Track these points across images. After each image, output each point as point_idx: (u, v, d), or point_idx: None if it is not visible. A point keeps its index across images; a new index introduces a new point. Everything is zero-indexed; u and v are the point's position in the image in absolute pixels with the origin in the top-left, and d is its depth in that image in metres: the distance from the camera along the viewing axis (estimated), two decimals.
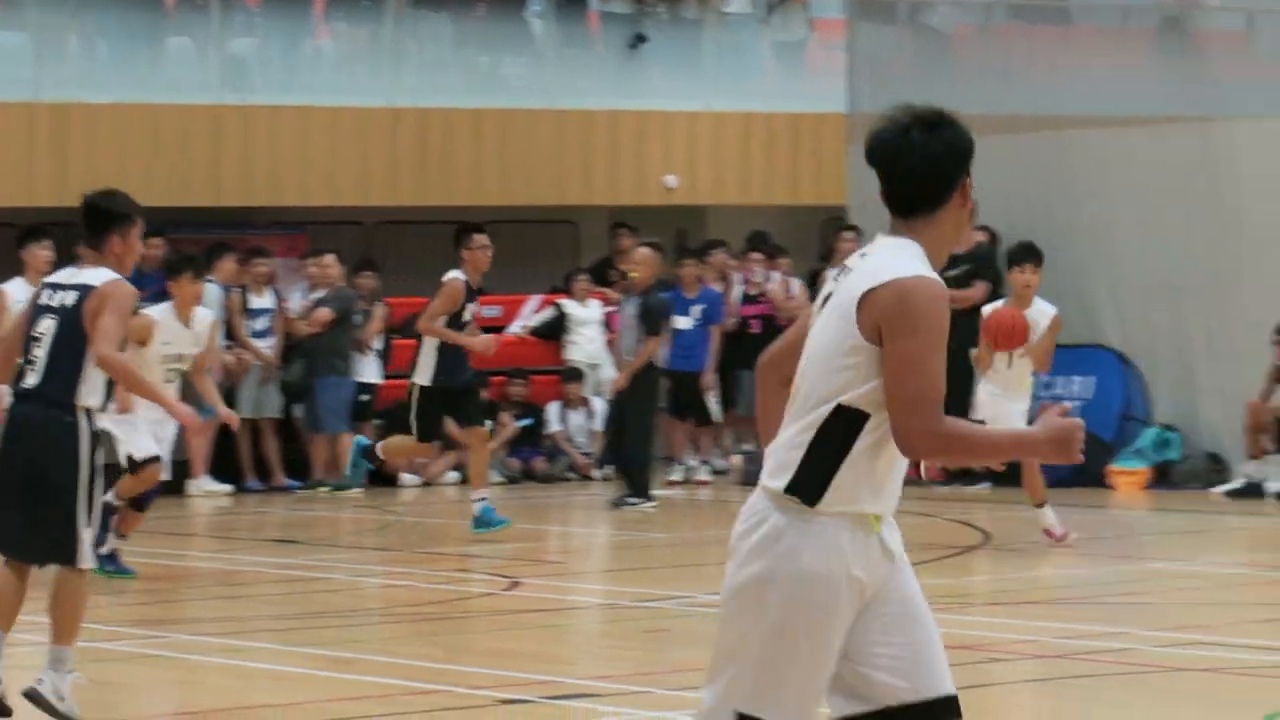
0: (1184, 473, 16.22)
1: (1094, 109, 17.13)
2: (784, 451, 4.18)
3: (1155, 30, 19.44)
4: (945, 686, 4.16)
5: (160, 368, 10.95)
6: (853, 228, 16.59)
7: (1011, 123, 16.90)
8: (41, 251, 12.81)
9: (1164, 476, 16.20)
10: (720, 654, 4.17)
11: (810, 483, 4.12)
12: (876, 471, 4.16)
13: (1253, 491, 15.24)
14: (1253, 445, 15.44)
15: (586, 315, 17.91)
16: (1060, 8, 19.82)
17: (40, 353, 7.34)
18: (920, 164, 4.22)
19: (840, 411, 4.12)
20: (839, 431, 4.11)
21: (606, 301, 17.85)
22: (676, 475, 16.95)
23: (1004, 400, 12.13)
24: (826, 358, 4.17)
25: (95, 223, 7.53)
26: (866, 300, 4.13)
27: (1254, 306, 15.74)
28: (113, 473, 10.00)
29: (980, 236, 15.85)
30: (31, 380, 7.38)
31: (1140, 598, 11.41)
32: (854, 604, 4.12)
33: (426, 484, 17.12)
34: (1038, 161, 17.05)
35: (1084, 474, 14.88)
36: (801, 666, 4.10)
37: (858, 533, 4.13)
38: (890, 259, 4.18)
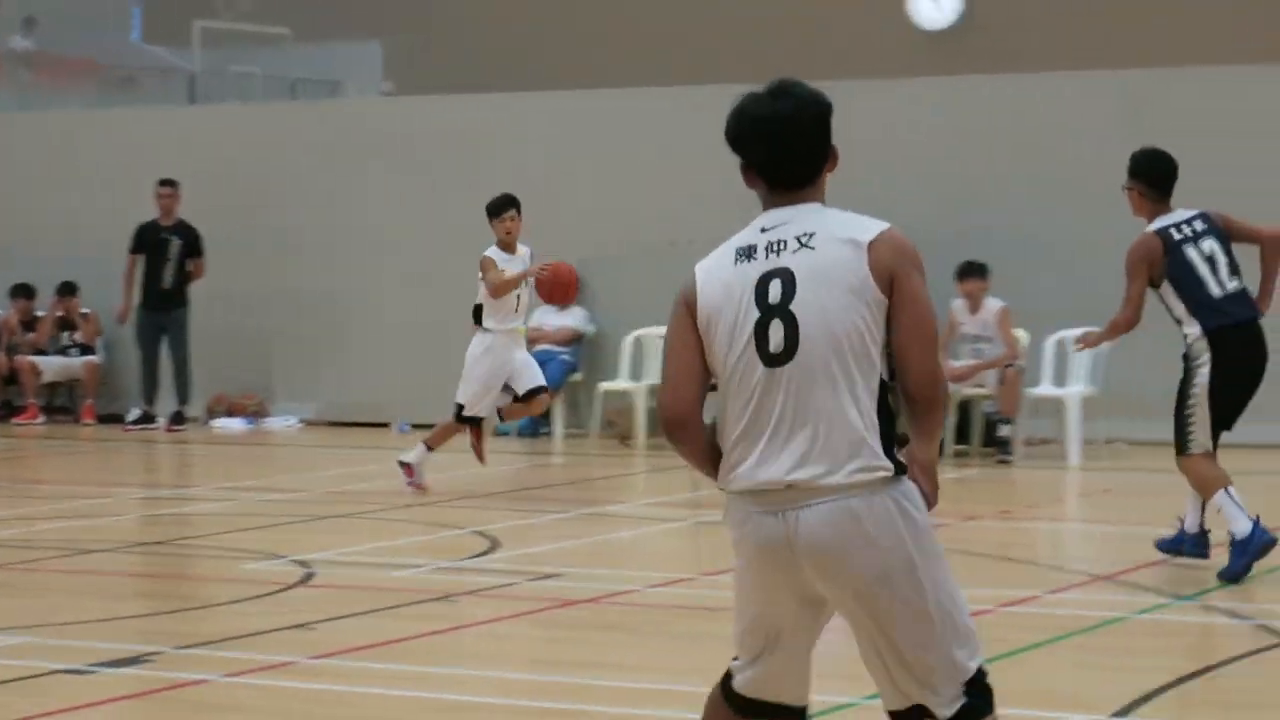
0: None
1: None
2: (842, 439, 4.22)
3: None
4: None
5: None
6: None
7: None
8: None
9: None
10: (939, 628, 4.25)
11: (891, 455, 4.25)
12: None
13: None
14: None
15: None
16: None
17: None
18: (803, 133, 4.30)
19: (883, 383, 4.25)
20: (884, 400, 4.24)
21: None
22: None
23: None
24: (844, 333, 4.22)
25: None
26: (873, 253, 4.22)
27: None
28: None
29: None
30: None
31: None
32: None
33: None
34: None
35: None
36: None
37: None
38: (844, 217, 4.32)
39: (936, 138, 16.20)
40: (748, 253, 4.33)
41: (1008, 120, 16.20)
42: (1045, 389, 15.11)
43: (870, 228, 4.26)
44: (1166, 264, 8.83)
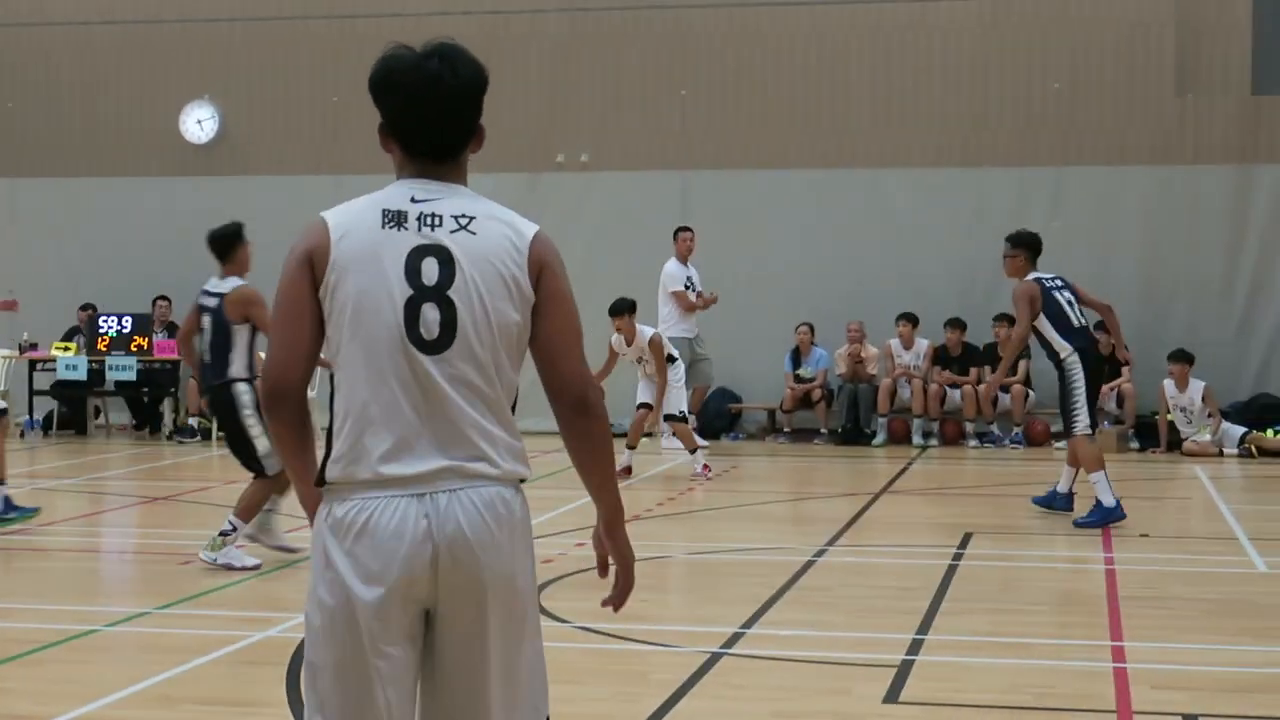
0: None
1: None
2: (506, 435, 3.89)
3: None
4: None
5: None
6: None
7: None
8: None
9: None
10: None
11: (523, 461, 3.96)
12: None
13: None
14: None
15: None
16: None
17: None
18: (462, 103, 3.98)
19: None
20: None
21: None
22: None
23: None
24: (501, 326, 3.89)
25: None
26: (533, 248, 3.93)
27: None
28: None
29: None
30: None
31: None
32: None
33: None
34: None
35: None
36: None
37: None
38: (498, 207, 3.98)
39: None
40: (396, 219, 3.92)
41: None
42: None
43: (528, 223, 3.97)
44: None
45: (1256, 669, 7.86)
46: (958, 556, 11.14)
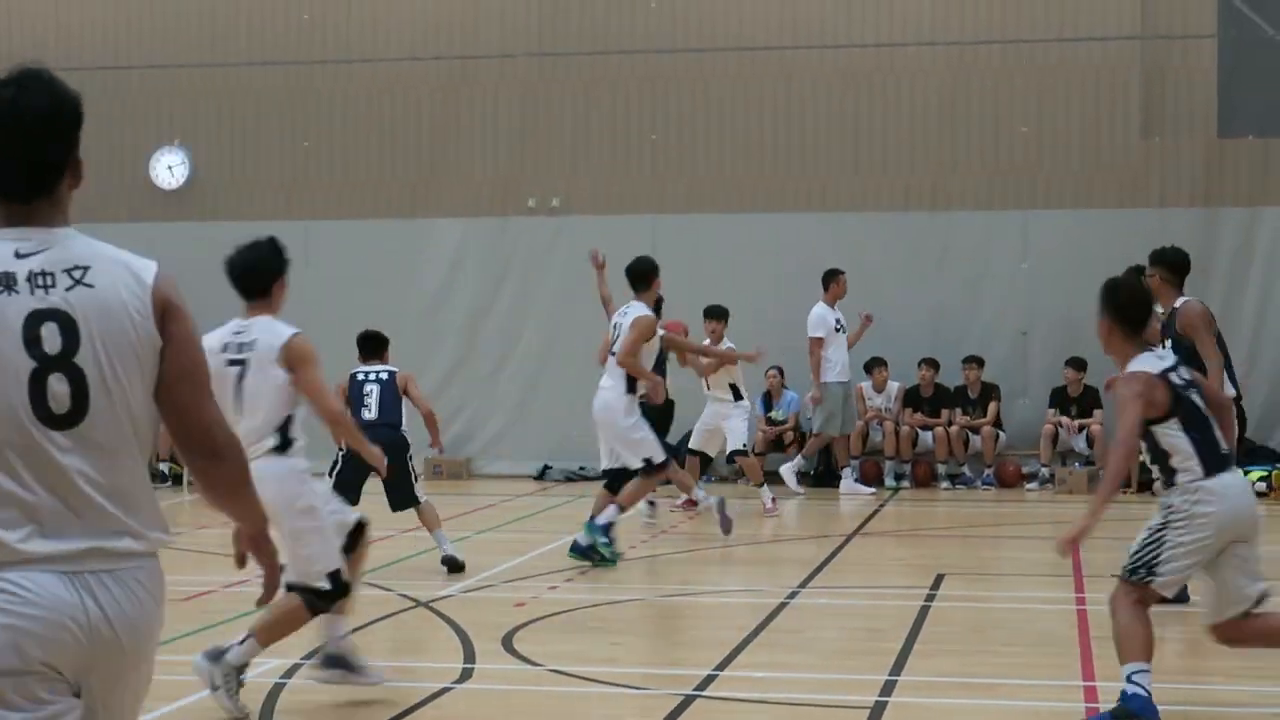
0: None
1: None
2: (148, 503, 3.76)
3: None
4: None
5: None
6: None
7: None
8: None
9: None
10: None
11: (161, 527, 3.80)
12: None
13: None
14: None
15: None
16: None
17: None
18: (54, 135, 3.75)
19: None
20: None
21: None
22: None
23: None
24: (134, 390, 3.71)
25: None
26: (156, 292, 3.68)
27: None
28: None
29: None
30: None
31: None
32: None
33: None
34: None
35: None
36: None
37: None
38: (110, 248, 3.74)
39: None
40: (5, 282, 3.58)
41: None
42: None
43: (146, 263, 3.72)
44: None
45: (1228, 708, 7.89)
46: (930, 598, 11.16)
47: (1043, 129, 20.67)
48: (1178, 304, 11.02)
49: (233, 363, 7.87)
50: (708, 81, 21.35)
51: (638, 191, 21.40)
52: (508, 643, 9.45)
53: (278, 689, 8.23)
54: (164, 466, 20.64)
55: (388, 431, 12.54)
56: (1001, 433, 19.99)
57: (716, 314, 17.24)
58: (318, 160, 22.12)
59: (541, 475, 20.64)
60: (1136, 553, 7.59)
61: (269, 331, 7.93)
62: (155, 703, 7.90)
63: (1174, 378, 7.68)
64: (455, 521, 16.39)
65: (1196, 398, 7.65)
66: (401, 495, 12.69)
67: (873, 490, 18.99)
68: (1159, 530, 7.60)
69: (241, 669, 7.84)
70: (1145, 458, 7.86)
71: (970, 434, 19.94)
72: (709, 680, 8.43)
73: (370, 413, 12.91)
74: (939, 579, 11.98)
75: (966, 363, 20.00)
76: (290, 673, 8.60)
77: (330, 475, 12.46)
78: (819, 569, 12.67)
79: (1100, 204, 20.38)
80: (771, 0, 21.25)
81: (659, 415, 15.25)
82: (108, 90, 22.68)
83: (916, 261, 20.47)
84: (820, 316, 18.97)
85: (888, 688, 8.25)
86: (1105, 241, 20.12)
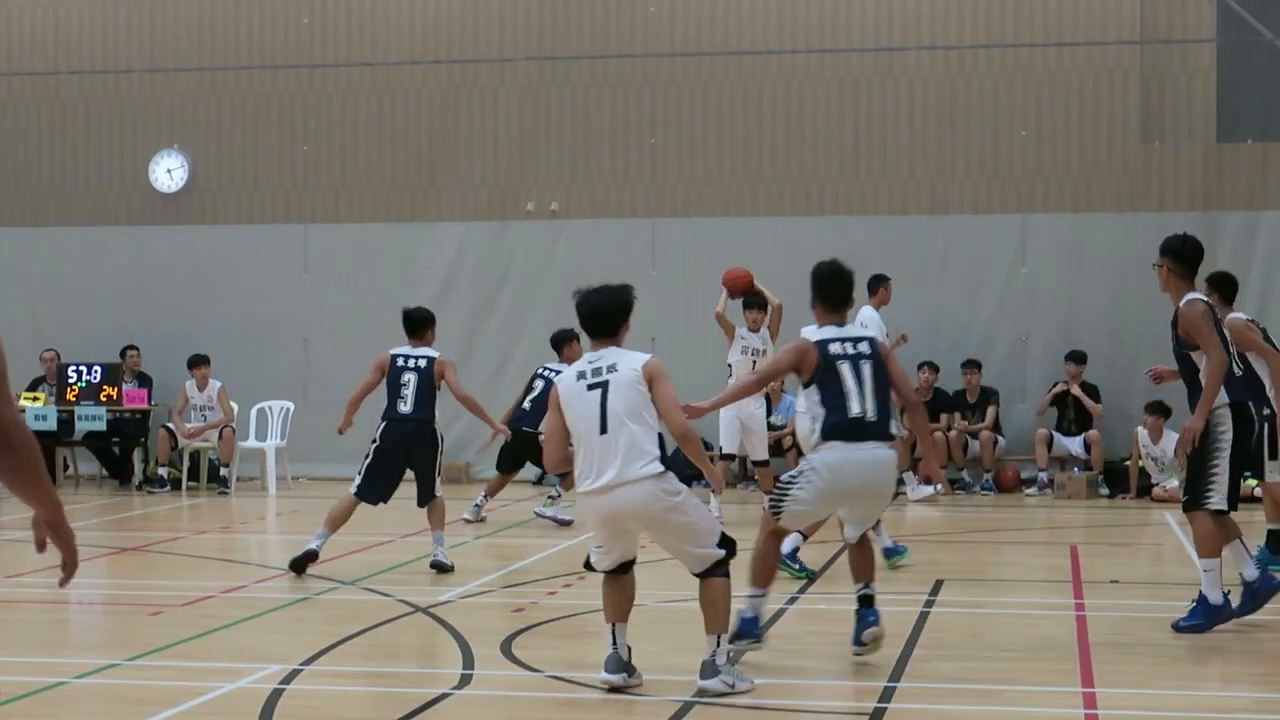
0: None
1: None
2: None
3: None
4: None
5: None
6: None
7: None
8: None
9: None
10: None
11: None
12: None
13: None
14: None
15: None
16: None
17: None
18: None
19: None
20: None
21: None
22: None
23: None
24: None
25: None
26: None
27: None
28: None
29: None
30: None
31: None
32: None
33: None
34: None
35: None
36: None
37: None
38: None
39: None
40: None
41: None
42: (251, 443, 20.90)
43: None
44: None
45: (1227, 714, 7.88)
46: (929, 604, 11.16)
47: (1041, 133, 20.68)
48: (1181, 303, 10.04)
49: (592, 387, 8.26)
50: (706, 86, 21.36)
51: (636, 196, 21.41)
52: (507, 648, 9.45)
53: (276, 695, 8.22)
54: (163, 471, 20.63)
55: (419, 426, 12.65)
56: (1000, 437, 19.99)
57: (758, 304, 16.59)
58: (317, 164, 22.12)
59: (540, 480, 20.62)
60: None
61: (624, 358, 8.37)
62: (155, 708, 7.89)
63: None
64: (453, 526, 16.38)
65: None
66: (425, 489, 12.84)
67: (937, 489, 18.48)
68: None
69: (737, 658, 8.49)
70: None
71: (969, 439, 19.93)
72: None
73: (405, 405, 12.77)
74: (938, 584, 11.98)
75: (965, 367, 20.00)
76: (288, 679, 8.60)
77: (361, 470, 12.49)
78: (818, 574, 12.66)
79: (1099, 208, 20.39)
80: (770, 4, 21.26)
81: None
82: (107, 94, 22.70)
83: (915, 265, 20.46)
84: (878, 321, 17.28)
85: (886, 694, 8.25)
86: (1104, 246, 20.16)
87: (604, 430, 8.10)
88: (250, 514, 18.18)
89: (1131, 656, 9.28)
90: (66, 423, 20.99)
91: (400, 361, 13.00)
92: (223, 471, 20.33)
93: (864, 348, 8.97)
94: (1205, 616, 9.86)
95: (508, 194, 21.59)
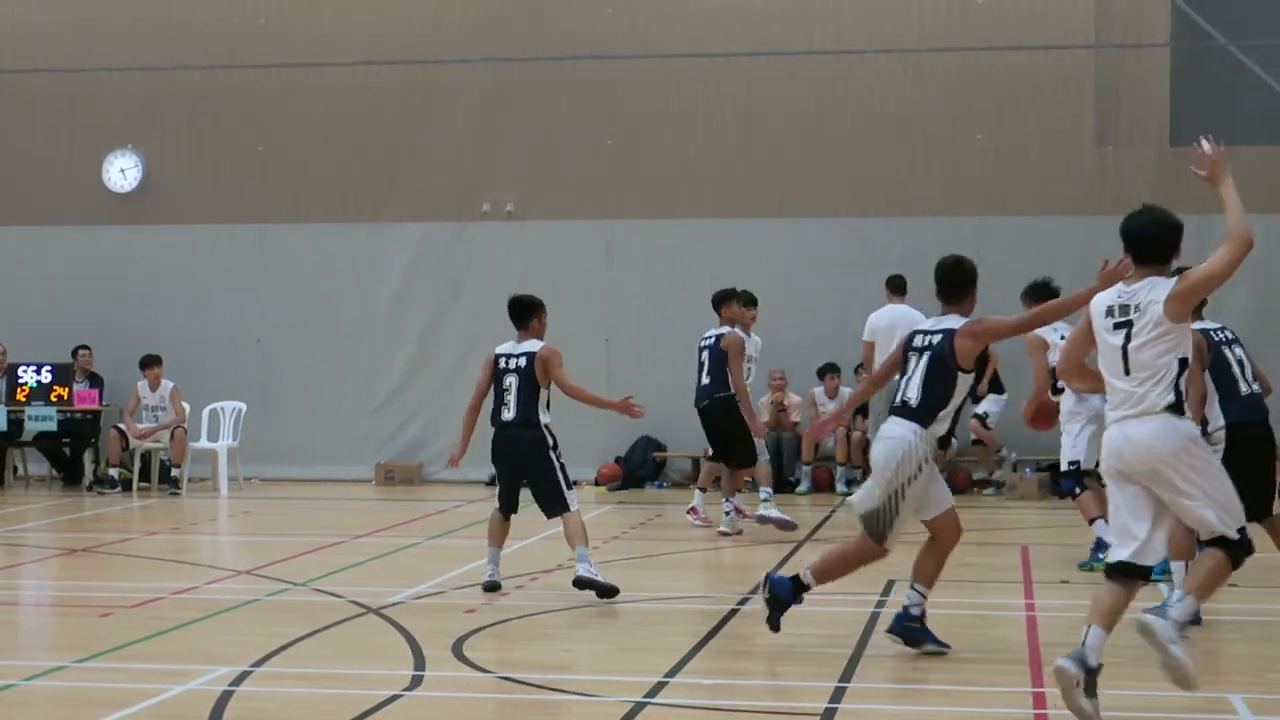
0: None
1: None
2: None
3: None
4: None
5: None
6: None
7: None
8: None
9: None
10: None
11: None
12: None
13: None
14: None
15: None
16: None
17: None
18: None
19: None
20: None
21: None
22: None
23: None
24: None
25: None
26: None
27: None
28: None
29: None
30: None
31: None
32: None
33: None
34: None
35: None
36: None
37: None
38: None
39: None
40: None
41: None
42: (203, 443, 20.83)
43: None
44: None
45: (1177, 714, 7.91)
46: (880, 604, 11.17)
47: (999, 136, 20.75)
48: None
49: (1119, 325, 8.17)
50: (665, 87, 21.36)
51: (594, 197, 21.39)
52: (458, 649, 9.42)
53: (226, 696, 8.18)
54: (114, 472, 20.51)
55: (526, 432, 11.52)
56: (953, 439, 20.02)
57: (748, 301, 16.36)
58: (273, 164, 22.03)
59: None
60: None
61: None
62: (105, 709, 7.84)
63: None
64: (406, 527, 16.34)
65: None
66: (552, 500, 11.60)
67: None
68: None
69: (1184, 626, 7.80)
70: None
71: None
72: (659, 687, 8.41)
73: (509, 411, 11.58)
74: (889, 585, 11.99)
75: None
76: (239, 680, 8.55)
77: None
78: None
79: (1057, 210, 20.47)
80: (730, 6, 21.28)
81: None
82: (61, 92, 22.56)
83: (874, 267, 20.47)
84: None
85: (837, 694, 8.25)
86: (1061, 247, 20.15)
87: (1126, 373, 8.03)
88: (202, 515, 18.08)
89: None
90: (16, 423, 20.85)
91: (502, 362, 11.83)
92: (174, 472, 20.22)
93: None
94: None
95: (464, 194, 21.55)
